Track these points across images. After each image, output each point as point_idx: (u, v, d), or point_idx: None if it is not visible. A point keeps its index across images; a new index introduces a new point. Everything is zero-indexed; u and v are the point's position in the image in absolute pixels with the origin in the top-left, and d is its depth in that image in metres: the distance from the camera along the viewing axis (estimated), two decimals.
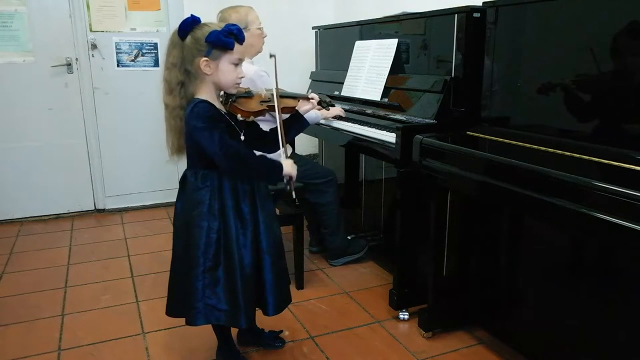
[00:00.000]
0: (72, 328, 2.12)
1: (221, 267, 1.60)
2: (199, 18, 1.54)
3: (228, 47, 1.52)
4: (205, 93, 1.56)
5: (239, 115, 1.66)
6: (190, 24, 1.51)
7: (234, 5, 2.41)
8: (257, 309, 1.72)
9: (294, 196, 1.69)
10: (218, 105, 1.60)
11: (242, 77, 1.61)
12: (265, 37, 2.48)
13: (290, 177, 1.66)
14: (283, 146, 1.68)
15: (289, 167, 1.65)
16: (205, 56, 1.50)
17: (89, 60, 3.42)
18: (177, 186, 1.72)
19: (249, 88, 1.75)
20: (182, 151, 1.63)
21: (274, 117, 1.97)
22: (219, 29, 1.51)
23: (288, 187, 1.69)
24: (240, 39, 1.54)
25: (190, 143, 1.58)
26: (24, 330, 2.10)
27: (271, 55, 1.71)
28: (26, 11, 3.23)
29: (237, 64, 1.57)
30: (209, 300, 1.61)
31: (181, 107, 1.55)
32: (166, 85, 1.56)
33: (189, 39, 1.51)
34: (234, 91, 1.64)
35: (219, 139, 1.50)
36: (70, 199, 3.56)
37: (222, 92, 1.64)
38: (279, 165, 1.64)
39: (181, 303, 1.64)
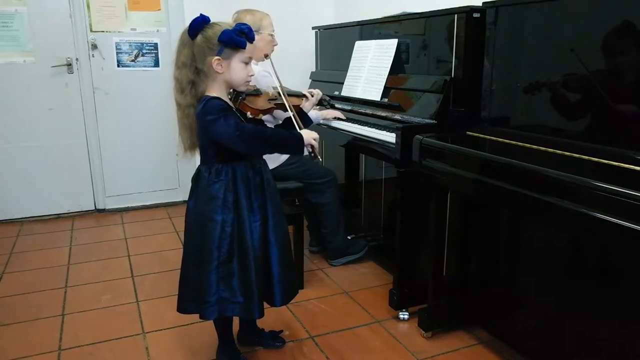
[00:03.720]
0: (72, 328, 2.12)
1: (235, 259, 1.62)
2: (208, 17, 1.55)
3: (240, 46, 1.53)
4: (216, 91, 1.58)
5: (248, 113, 1.68)
6: (200, 23, 1.53)
7: (251, 8, 2.42)
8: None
9: (320, 160, 1.72)
10: (228, 102, 1.63)
11: (252, 75, 1.63)
12: (275, 45, 2.49)
13: (312, 146, 1.68)
14: (301, 129, 1.70)
15: (309, 135, 1.67)
16: (217, 55, 1.52)
17: (89, 61, 3.42)
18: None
19: (256, 86, 1.76)
20: (195, 148, 1.66)
21: (277, 118, 2.00)
22: (229, 27, 1.53)
23: (312, 155, 1.70)
24: (251, 38, 1.56)
25: (203, 139, 1.60)
26: (24, 330, 2.10)
27: (266, 56, 1.74)
28: (26, 11, 3.23)
29: (248, 62, 1.59)
30: (222, 293, 1.63)
31: (192, 105, 1.58)
32: (177, 84, 1.58)
33: (199, 38, 1.53)
34: (243, 89, 1.66)
35: (234, 124, 1.53)
36: (70, 199, 3.56)
37: (231, 90, 1.65)
38: (298, 136, 1.65)
39: (193, 298, 1.66)
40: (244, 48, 1.54)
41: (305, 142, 1.66)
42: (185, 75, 1.56)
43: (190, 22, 1.54)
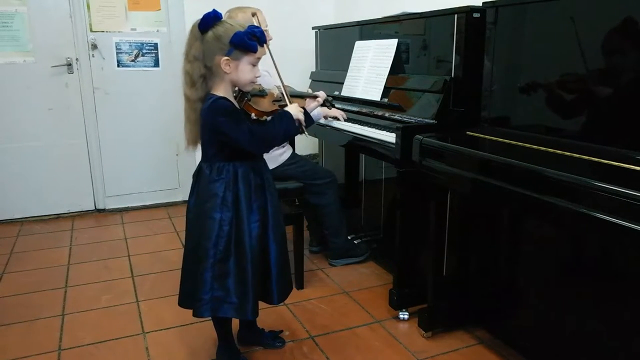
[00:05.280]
0: (72, 328, 2.12)
1: (232, 259, 1.63)
2: (220, 14, 1.55)
3: (251, 50, 1.54)
4: (222, 90, 1.59)
5: (253, 115, 1.68)
6: (212, 19, 1.53)
7: (242, 6, 2.42)
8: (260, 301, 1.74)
9: (306, 135, 1.79)
10: (234, 102, 1.63)
11: (258, 77, 1.64)
12: (270, 39, 2.48)
13: (299, 121, 1.71)
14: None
15: (295, 111, 1.70)
16: (226, 55, 1.52)
17: (89, 60, 3.42)
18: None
19: (261, 86, 1.76)
20: (197, 143, 1.65)
21: None
22: (241, 29, 1.53)
23: (300, 130, 1.74)
24: (262, 42, 1.57)
25: (206, 136, 1.60)
26: (24, 330, 2.10)
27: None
28: (26, 11, 3.23)
29: (255, 64, 1.60)
30: (216, 293, 1.63)
31: (201, 99, 1.58)
32: (188, 77, 1.57)
33: (210, 34, 1.53)
34: (249, 89, 1.66)
35: (247, 129, 1.56)
36: (70, 199, 3.56)
37: (236, 88, 1.65)
38: (289, 117, 1.67)
39: (190, 294, 1.67)
40: (255, 52, 1.55)
41: (295, 118, 1.69)
42: (197, 69, 1.55)
43: (202, 16, 1.53)
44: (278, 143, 1.68)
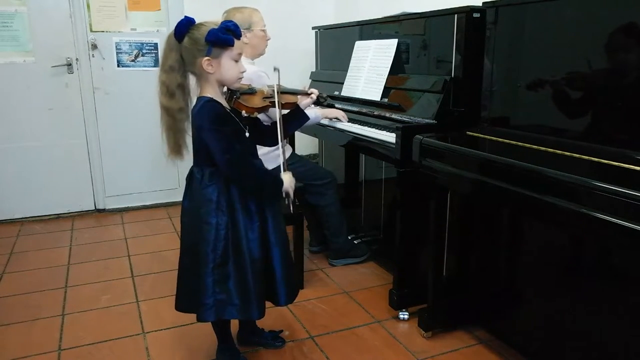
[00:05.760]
0: (72, 328, 2.12)
1: (231, 262, 1.62)
2: (193, 19, 1.54)
3: (228, 44, 1.53)
4: (211, 92, 1.58)
5: (243, 112, 1.68)
6: (185, 25, 1.52)
7: (239, 6, 2.42)
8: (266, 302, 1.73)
9: (292, 210, 1.76)
10: (223, 103, 1.62)
11: (243, 72, 1.63)
12: (268, 39, 2.49)
13: (288, 194, 1.70)
14: (281, 141, 1.72)
15: (288, 182, 1.69)
16: (206, 55, 1.52)
17: (89, 60, 3.42)
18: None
19: (250, 84, 1.76)
20: (181, 152, 1.63)
21: (272, 117, 1.99)
22: (215, 26, 1.52)
23: (287, 201, 1.74)
24: (238, 34, 1.56)
25: (197, 140, 1.59)
26: (24, 330, 2.10)
27: (275, 69, 1.73)
28: (26, 11, 3.23)
29: (237, 59, 1.59)
30: (219, 296, 1.63)
31: (183, 109, 1.57)
32: (164, 88, 1.55)
33: (186, 40, 1.52)
34: (237, 86, 1.66)
35: (226, 144, 1.55)
36: (70, 199, 3.56)
37: (225, 89, 1.65)
38: (279, 182, 1.67)
39: (191, 299, 1.67)
40: (232, 45, 1.54)
41: (284, 188, 1.68)
42: (174, 79, 1.54)
43: (175, 25, 1.53)
44: (249, 183, 1.62)
